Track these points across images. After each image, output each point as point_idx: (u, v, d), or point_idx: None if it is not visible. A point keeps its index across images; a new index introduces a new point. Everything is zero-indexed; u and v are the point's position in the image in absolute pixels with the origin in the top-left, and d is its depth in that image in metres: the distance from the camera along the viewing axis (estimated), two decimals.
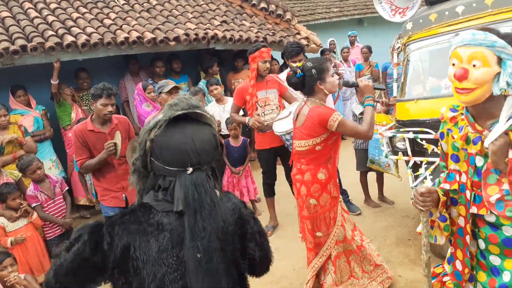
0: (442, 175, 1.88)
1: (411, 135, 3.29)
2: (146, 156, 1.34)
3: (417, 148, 3.37)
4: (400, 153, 3.55)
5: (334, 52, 8.57)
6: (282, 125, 3.85)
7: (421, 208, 1.75)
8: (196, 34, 5.84)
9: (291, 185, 4.25)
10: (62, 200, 3.86)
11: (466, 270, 1.76)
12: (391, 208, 4.65)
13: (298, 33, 7.16)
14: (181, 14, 6.57)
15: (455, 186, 1.75)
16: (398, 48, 3.91)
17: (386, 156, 3.68)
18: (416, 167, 3.40)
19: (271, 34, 6.77)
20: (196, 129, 1.33)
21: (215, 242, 1.24)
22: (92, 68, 5.52)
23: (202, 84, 6.13)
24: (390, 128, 3.73)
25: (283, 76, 4.49)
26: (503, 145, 1.50)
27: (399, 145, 3.55)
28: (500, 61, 1.52)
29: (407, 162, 3.47)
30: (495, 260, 1.70)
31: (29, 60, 4.71)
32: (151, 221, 1.26)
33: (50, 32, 4.96)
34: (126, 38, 5.20)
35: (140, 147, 1.34)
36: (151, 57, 6.00)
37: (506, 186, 1.54)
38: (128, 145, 3.35)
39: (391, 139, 3.58)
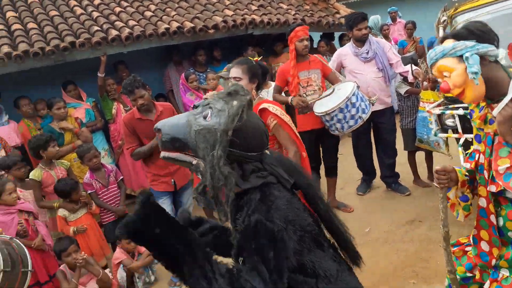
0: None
1: (461, 112, 3.18)
2: (226, 149, 1.26)
3: (467, 125, 3.25)
4: (450, 131, 3.44)
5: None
6: (322, 105, 3.76)
7: (436, 185, 1.85)
8: (234, 21, 5.86)
9: (326, 169, 4.34)
10: (116, 188, 4.04)
11: (495, 250, 1.78)
12: None
13: (337, 12, 7.00)
14: (218, 1, 6.60)
15: (473, 166, 1.82)
16: (444, 21, 3.75)
17: (435, 135, 3.58)
18: (467, 144, 3.29)
19: (309, 15, 6.67)
20: (250, 112, 1.36)
21: None
22: (135, 61, 5.69)
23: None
24: (439, 106, 3.61)
25: (345, 50, 4.43)
26: (510, 115, 1.51)
27: (449, 122, 3.44)
28: (461, 57, 1.57)
29: (457, 139, 3.37)
30: None
31: (78, 55, 4.91)
32: (284, 193, 1.34)
33: (96, 28, 5.14)
34: (167, 29, 5.30)
35: (221, 140, 1.25)
36: (193, 46, 6.09)
37: None
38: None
39: (439, 116, 3.47)
